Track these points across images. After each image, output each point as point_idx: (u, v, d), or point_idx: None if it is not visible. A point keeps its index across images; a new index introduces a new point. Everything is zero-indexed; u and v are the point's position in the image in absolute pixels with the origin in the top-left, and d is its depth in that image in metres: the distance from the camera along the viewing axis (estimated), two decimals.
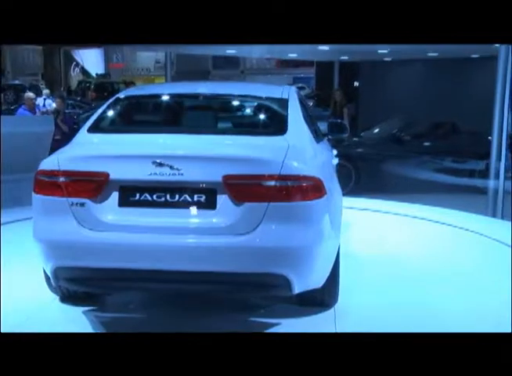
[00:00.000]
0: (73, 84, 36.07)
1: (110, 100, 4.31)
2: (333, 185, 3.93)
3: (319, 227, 3.44)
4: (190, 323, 3.70)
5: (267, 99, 4.32)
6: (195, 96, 4.50)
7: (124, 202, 3.37)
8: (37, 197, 3.50)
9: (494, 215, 7.29)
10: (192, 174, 3.29)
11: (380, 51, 11.92)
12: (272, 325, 3.69)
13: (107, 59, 40.27)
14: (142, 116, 4.47)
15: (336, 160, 5.17)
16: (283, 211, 3.29)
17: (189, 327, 3.57)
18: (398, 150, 10.67)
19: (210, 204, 3.31)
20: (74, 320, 3.75)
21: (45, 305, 4.01)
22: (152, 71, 36.43)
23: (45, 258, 3.47)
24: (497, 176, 7.30)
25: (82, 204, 3.36)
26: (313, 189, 3.37)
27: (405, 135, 10.87)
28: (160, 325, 3.69)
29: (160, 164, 3.27)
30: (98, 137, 3.79)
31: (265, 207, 3.26)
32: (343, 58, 14.26)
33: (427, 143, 11.08)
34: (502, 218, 7.13)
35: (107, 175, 3.33)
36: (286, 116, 3.88)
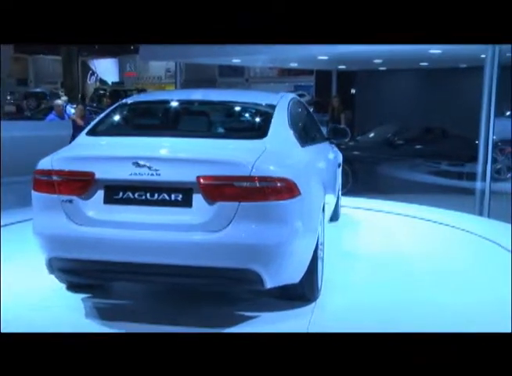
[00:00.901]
0: (90, 91, 36.14)
1: (113, 106, 4.40)
2: (311, 186, 3.84)
3: (289, 226, 3.42)
4: (178, 315, 3.70)
5: (255, 105, 4.30)
6: (187, 102, 4.57)
7: (108, 200, 3.45)
8: (34, 195, 3.61)
9: (480, 214, 7.28)
10: (169, 174, 3.34)
11: (375, 61, 11.91)
12: (251, 318, 3.65)
13: (121, 68, 40.32)
14: (136, 120, 4.47)
15: (326, 162, 5.00)
16: (254, 210, 3.30)
17: (177, 319, 3.60)
18: (391, 153, 10.68)
19: (186, 202, 3.36)
20: (77, 310, 3.79)
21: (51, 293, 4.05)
22: (163, 79, 36.45)
23: (41, 250, 3.59)
24: (484, 178, 7.29)
25: (71, 201, 3.46)
26: (284, 189, 3.36)
27: (398, 140, 10.89)
28: (151, 315, 3.72)
29: (139, 165, 3.33)
30: (93, 140, 3.86)
31: (236, 206, 3.28)
32: (340, 67, 14.24)
33: (418, 147, 11.08)
34: (489, 217, 7.13)
35: (93, 174, 3.42)
36: (270, 121, 3.89)
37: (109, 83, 38.89)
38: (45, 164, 3.58)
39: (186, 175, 3.31)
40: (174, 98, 4.68)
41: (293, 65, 15.91)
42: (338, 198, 6.10)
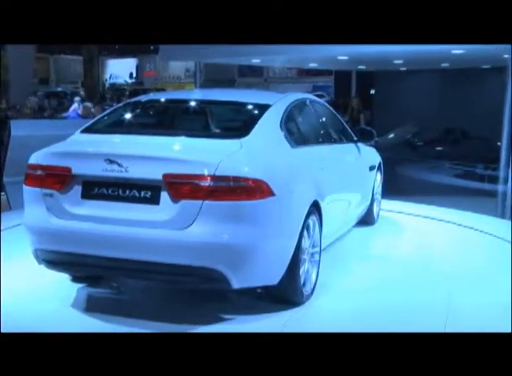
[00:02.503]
0: (109, 91, 36.36)
1: (117, 105, 4.48)
2: (294, 187, 3.71)
3: (256, 227, 3.38)
4: (167, 316, 3.69)
5: (249, 105, 4.19)
6: (179, 103, 4.58)
7: (85, 195, 3.56)
8: (24, 188, 3.77)
9: (502, 217, 7.17)
10: (137, 171, 3.40)
11: (395, 61, 11.81)
12: (227, 319, 3.62)
13: (141, 68, 40.53)
14: (127, 120, 4.41)
15: (335, 164, 4.82)
16: (218, 210, 3.30)
17: (164, 320, 3.60)
18: (411, 154, 10.60)
19: (154, 199, 3.42)
20: (75, 310, 3.81)
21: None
22: (182, 79, 36.53)
23: (29, 241, 3.74)
24: (506, 180, 7.17)
25: (51, 195, 3.59)
26: (253, 189, 3.33)
27: (418, 141, 10.82)
28: (135, 312, 3.74)
29: (110, 162, 3.40)
30: (83, 137, 3.93)
31: (199, 205, 3.29)
32: (360, 67, 14.16)
33: (438, 148, 10.99)
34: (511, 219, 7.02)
35: (70, 169, 3.53)
36: (257, 121, 3.83)
37: (129, 82, 39.14)
38: (33, 158, 3.72)
39: (153, 172, 3.36)
40: (174, 98, 4.77)
41: (313, 65, 15.85)
42: (373, 202, 5.96)
